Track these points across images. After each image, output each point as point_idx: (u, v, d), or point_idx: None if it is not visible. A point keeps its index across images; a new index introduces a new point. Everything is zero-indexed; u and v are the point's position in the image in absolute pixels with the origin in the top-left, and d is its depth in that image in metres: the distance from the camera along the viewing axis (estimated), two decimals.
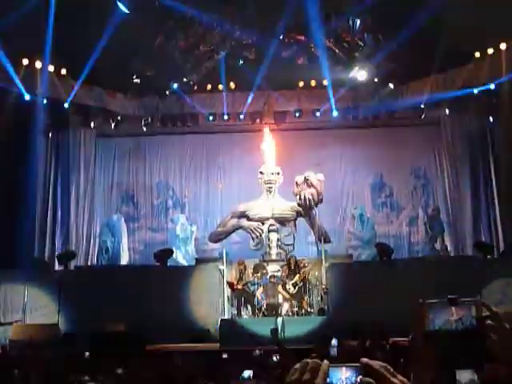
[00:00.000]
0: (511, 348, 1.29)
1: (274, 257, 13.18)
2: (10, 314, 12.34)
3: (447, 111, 15.20)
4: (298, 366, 1.18)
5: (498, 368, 1.33)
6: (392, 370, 1.12)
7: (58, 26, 12.57)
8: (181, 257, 15.07)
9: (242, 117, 15.50)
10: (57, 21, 12.54)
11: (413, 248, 15.65)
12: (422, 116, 15.15)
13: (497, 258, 13.74)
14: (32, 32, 12.10)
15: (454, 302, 1.24)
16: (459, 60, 13.83)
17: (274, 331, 10.43)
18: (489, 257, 13.29)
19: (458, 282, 11.24)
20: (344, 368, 1.16)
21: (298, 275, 12.06)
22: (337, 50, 14.14)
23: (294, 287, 11.96)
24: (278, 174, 13.93)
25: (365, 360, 1.14)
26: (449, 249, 15.09)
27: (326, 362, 1.16)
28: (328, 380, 1.15)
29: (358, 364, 1.14)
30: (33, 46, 12.98)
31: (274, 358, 6.01)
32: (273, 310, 11.64)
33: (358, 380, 1.13)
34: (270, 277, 12.12)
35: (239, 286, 12.11)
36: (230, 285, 12.20)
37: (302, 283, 12.01)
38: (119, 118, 15.44)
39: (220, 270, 12.74)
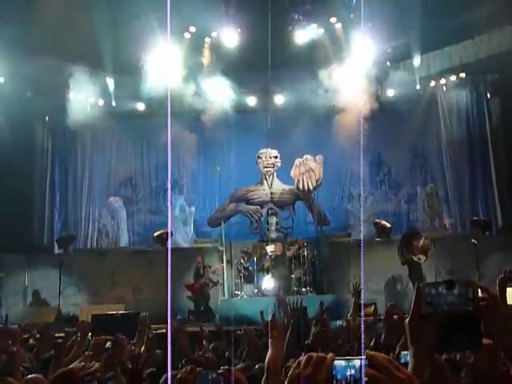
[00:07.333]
0: (507, 329, 1.30)
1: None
2: (11, 298, 12.41)
3: (444, 88, 15.12)
4: (302, 359, 1.18)
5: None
6: (396, 363, 1.13)
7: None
8: (180, 238, 15.07)
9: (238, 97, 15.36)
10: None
11: (411, 226, 15.67)
12: (419, 93, 15.10)
13: (494, 234, 13.80)
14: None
15: (451, 284, 1.25)
16: (457, 36, 13.73)
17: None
18: (486, 233, 13.34)
19: (456, 260, 11.33)
20: (349, 361, 1.17)
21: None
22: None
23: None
24: (276, 157, 13.89)
25: (370, 353, 1.14)
26: (447, 226, 15.13)
27: (330, 355, 1.16)
28: (333, 373, 1.16)
29: (363, 357, 1.15)
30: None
31: None
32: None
33: (363, 373, 1.14)
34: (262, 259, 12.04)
35: (197, 286, 11.78)
36: (189, 287, 11.89)
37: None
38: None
39: (219, 250, 12.77)
